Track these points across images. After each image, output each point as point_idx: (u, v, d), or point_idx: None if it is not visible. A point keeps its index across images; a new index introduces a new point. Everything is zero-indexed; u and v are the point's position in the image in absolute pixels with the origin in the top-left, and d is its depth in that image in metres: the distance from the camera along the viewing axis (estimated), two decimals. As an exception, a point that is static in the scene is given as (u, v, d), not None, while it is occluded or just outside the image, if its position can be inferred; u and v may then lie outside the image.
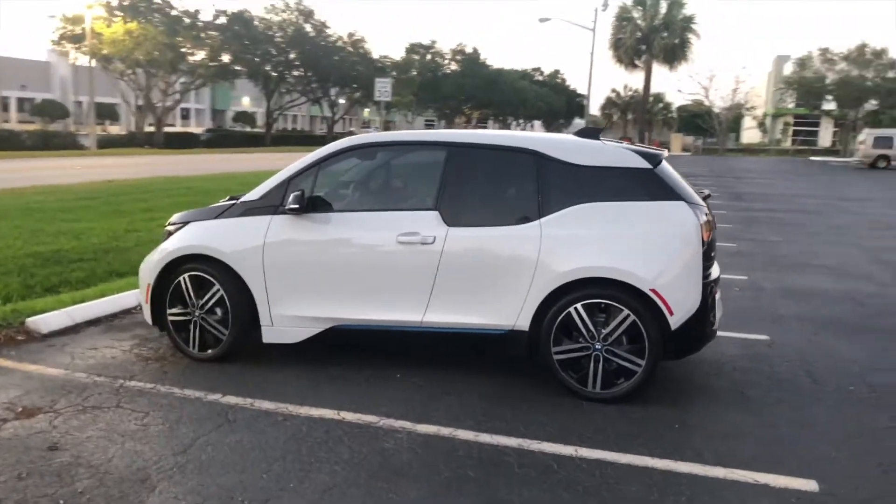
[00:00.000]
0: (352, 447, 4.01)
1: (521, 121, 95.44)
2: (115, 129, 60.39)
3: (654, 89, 51.61)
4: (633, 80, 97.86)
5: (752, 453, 4.05)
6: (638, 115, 65.90)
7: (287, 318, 5.19)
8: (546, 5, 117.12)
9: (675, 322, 4.64)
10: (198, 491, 3.50)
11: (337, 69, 57.28)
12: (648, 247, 4.71)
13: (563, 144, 5.06)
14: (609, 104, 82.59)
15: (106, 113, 61.96)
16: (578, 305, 4.70)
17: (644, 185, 4.84)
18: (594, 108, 66.28)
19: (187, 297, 5.32)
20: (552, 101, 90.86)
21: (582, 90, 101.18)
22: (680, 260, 4.72)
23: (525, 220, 4.83)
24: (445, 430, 4.25)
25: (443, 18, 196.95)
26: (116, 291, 6.94)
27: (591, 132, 5.37)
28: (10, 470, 3.65)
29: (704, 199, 5.09)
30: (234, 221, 5.30)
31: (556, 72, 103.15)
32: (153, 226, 10.87)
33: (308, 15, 56.90)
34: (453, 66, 79.40)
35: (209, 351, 5.31)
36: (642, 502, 3.51)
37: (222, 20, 49.96)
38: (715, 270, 5.02)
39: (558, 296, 4.73)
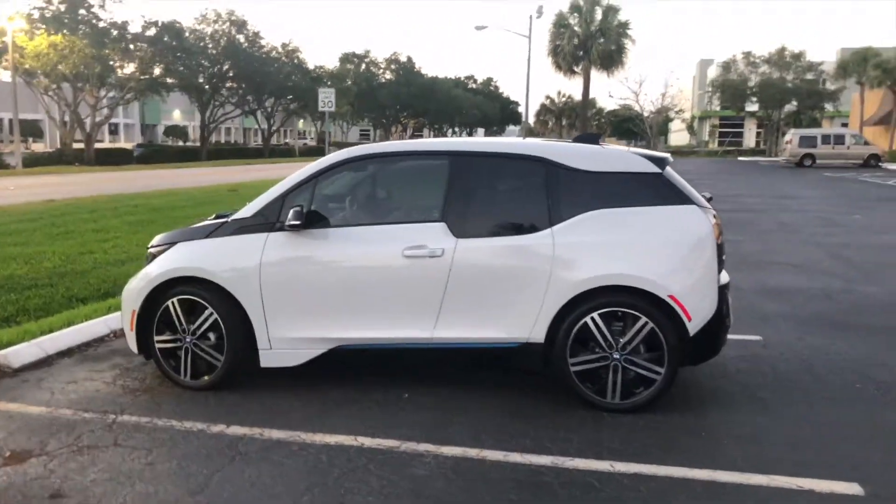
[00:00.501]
0: (380, 475, 3.79)
1: (456, 129, 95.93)
2: (39, 147, 57.97)
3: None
4: (566, 87, 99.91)
5: (786, 458, 4.01)
6: (573, 120, 66.95)
7: (287, 340, 4.92)
8: (481, 13, 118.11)
9: (693, 328, 4.57)
10: (229, 534, 3.24)
11: (272, 80, 56.38)
12: (663, 252, 4.64)
13: (571, 151, 4.94)
14: (544, 110, 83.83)
15: (29, 130, 59.52)
16: (595, 315, 4.59)
17: (654, 189, 4.77)
18: (529, 115, 66.98)
19: (177, 322, 5.00)
20: (487, 109, 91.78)
21: (515, 97, 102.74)
22: (695, 264, 4.66)
23: (536, 228, 4.70)
24: (472, 452, 4.07)
25: (376, 27, 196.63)
26: (84, 319, 6.51)
27: (590, 138, 5.27)
28: (14, 524, 3.31)
29: (708, 201, 5.05)
30: (227, 240, 5.01)
31: (490, 79, 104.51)
32: (107, 247, 10.36)
33: (241, 25, 55.86)
34: (388, 75, 79.32)
35: (204, 378, 4.99)
36: (695, 517, 3.41)
37: (152, 32, 48.49)
38: (724, 275, 4.98)
39: (574, 305, 4.61)
